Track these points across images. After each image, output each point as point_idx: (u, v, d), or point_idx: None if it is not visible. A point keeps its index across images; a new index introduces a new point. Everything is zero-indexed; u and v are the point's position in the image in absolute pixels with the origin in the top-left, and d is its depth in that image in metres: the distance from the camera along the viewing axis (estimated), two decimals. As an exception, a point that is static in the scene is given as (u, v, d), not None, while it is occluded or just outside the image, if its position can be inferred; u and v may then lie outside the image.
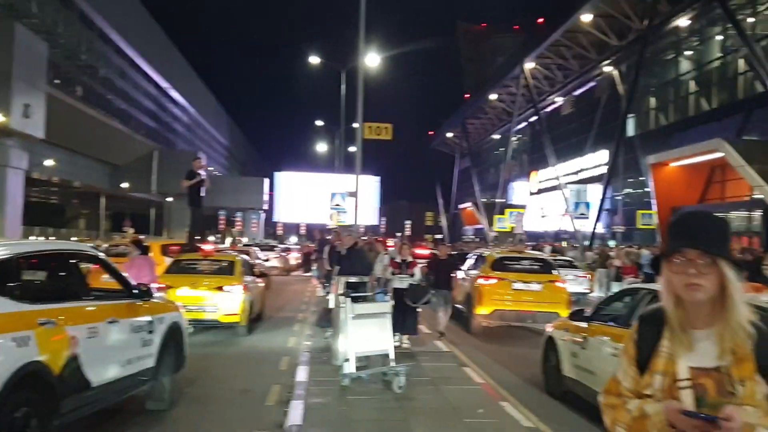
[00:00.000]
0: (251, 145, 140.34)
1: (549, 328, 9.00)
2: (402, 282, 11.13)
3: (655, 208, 38.37)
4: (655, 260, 2.12)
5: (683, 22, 40.06)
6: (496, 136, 71.61)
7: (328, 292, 12.43)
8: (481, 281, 13.75)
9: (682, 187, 39.53)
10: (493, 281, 13.63)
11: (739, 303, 2.00)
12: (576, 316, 8.22)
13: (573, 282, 18.92)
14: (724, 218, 2.17)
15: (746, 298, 2.04)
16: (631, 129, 46.96)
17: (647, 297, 6.50)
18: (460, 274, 15.00)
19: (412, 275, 11.45)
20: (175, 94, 75.25)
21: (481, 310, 13.50)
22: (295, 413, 6.79)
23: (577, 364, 7.71)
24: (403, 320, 10.57)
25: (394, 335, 9.18)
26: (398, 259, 11.91)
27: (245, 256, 16.05)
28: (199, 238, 17.04)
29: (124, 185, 59.32)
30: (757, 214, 33.25)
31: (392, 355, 8.46)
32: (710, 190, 39.76)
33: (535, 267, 14.19)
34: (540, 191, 59.20)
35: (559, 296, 13.40)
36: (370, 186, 69.47)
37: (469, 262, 16.17)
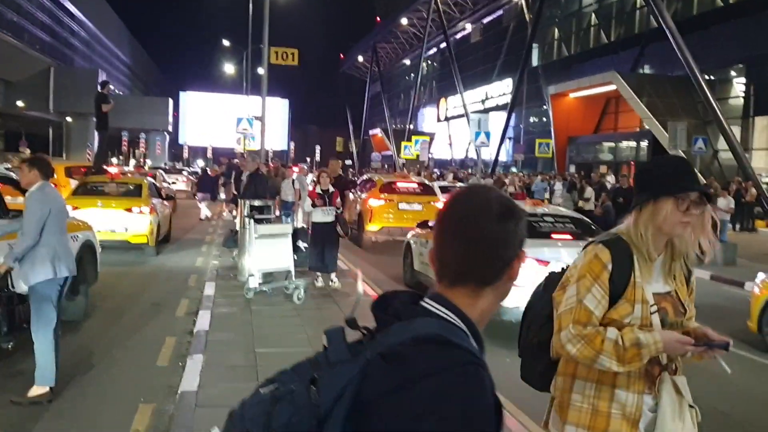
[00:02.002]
0: (154, 64, 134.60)
1: (408, 236, 11.04)
2: (325, 214, 10.13)
3: (553, 137, 40.32)
4: (649, 192, 2.24)
5: (587, -45, 41.06)
6: (407, 62, 71.93)
7: (234, 216, 12.94)
8: (371, 202, 15.81)
9: (579, 118, 41.57)
10: (381, 202, 15.86)
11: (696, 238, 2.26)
12: (422, 224, 10.70)
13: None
14: None
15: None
16: (535, 59, 48.37)
17: None
18: (351, 196, 16.52)
19: (338, 208, 10.32)
20: (71, 7, 70.98)
21: (371, 227, 15.74)
22: (203, 321, 7.54)
23: (422, 261, 9.72)
24: (326, 257, 10.01)
25: (317, 277, 10.07)
26: (319, 190, 10.43)
27: (151, 179, 16.28)
28: (104, 160, 17.08)
29: (19, 103, 56.33)
30: (645, 144, 35.61)
31: (293, 272, 9.25)
32: (605, 121, 42.01)
33: (418, 190, 16.51)
34: (448, 119, 60.38)
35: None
36: (278, 110, 68.79)
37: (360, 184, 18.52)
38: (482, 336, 1.25)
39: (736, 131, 29.87)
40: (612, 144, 40.44)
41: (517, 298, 7.29)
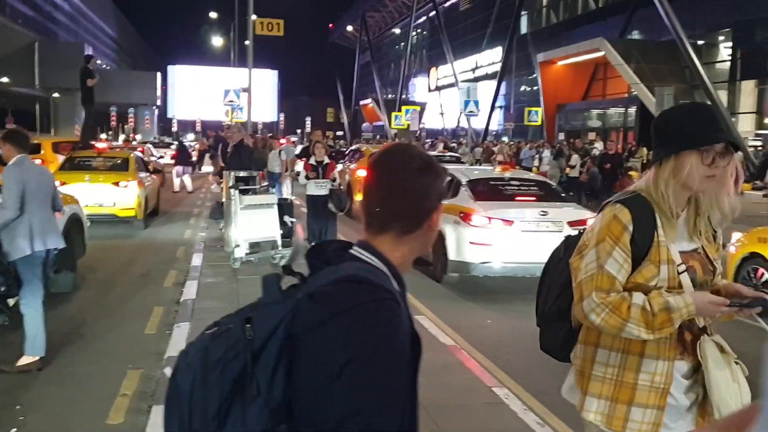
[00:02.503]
0: (141, 38, 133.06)
1: None
2: (319, 188, 10.06)
3: (542, 105, 40.33)
4: (669, 146, 2.07)
5: None
6: (397, 31, 71.44)
7: (222, 188, 13.02)
8: (359, 173, 15.75)
9: (568, 85, 41.58)
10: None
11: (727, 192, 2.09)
12: None
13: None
14: None
15: None
16: (524, 26, 48.15)
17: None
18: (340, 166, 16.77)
19: (333, 180, 10.18)
20: (54, -20, 69.98)
21: (360, 197, 16.15)
22: (190, 291, 7.70)
23: None
24: (324, 232, 9.98)
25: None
26: (313, 161, 10.33)
27: (139, 153, 16.32)
28: (91, 135, 17.08)
29: (4, 79, 55.74)
30: (633, 110, 35.69)
31: (279, 241, 9.39)
32: (593, 88, 42.03)
33: None
34: (439, 88, 60.20)
35: None
36: (267, 81, 68.33)
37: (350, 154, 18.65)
38: (404, 279, 1.40)
39: (723, 95, 30.01)
40: (600, 111, 40.51)
41: (485, 255, 7.56)
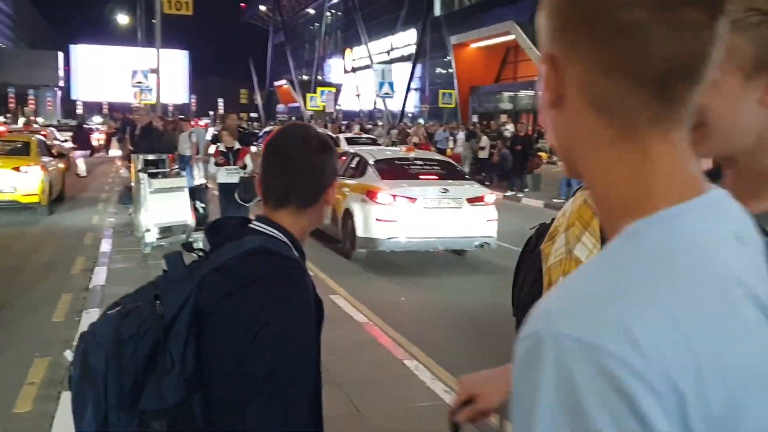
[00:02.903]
0: (40, 15, 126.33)
1: None
2: (230, 175, 9.41)
3: (456, 88, 41.00)
4: None
5: None
6: (311, 11, 70.70)
7: (130, 171, 12.68)
8: None
9: (481, 68, 42.38)
10: None
11: None
12: None
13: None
14: None
15: None
16: (437, 9, 48.61)
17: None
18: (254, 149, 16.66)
19: (243, 167, 9.48)
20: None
21: None
22: (100, 277, 7.54)
23: None
24: None
25: None
26: (222, 148, 9.71)
27: (41, 137, 15.65)
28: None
29: None
30: (542, 93, 36.79)
31: (192, 225, 9.28)
32: (505, 71, 43.01)
33: None
34: (354, 69, 60.09)
35: None
36: (177, 61, 66.46)
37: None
38: (303, 248, 1.51)
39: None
40: (512, 93, 41.50)
41: (391, 231, 7.88)
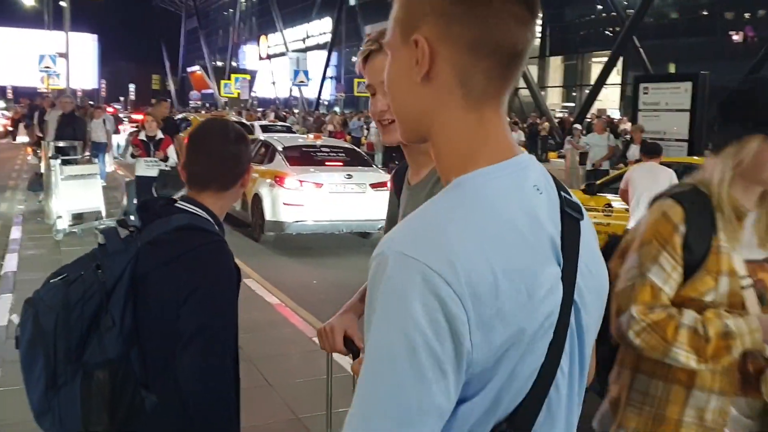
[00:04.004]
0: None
1: None
2: (149, 167, 8.80)
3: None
4: (733, 128, 1.71)
5: None
6: (224, -4, 69.41)
7: (39, 158, 12.42)
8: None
9: (396, 57, 42.88)
10: None
11: None
12: None
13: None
14: None
15: None
16: (352, -3, 48.67)
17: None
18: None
19: (165, 159, 8.84)
20: None
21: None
22: (11, 264, 7.53)
23: None
24: None
25: None
26: (143, 136, 9.00)
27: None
28: None
29: None
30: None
31: (104, 212, 9.32)
32: (420, 60, 43.62)
33: None
34: (270, 57, 59.47)
35: None
36: (86, 46, 63.88)
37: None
38: (223, 224, 1.84)
39: (534, 70, 32.58)
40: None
41: (298, 214, 8.38)
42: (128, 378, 1.59)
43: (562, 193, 0.98)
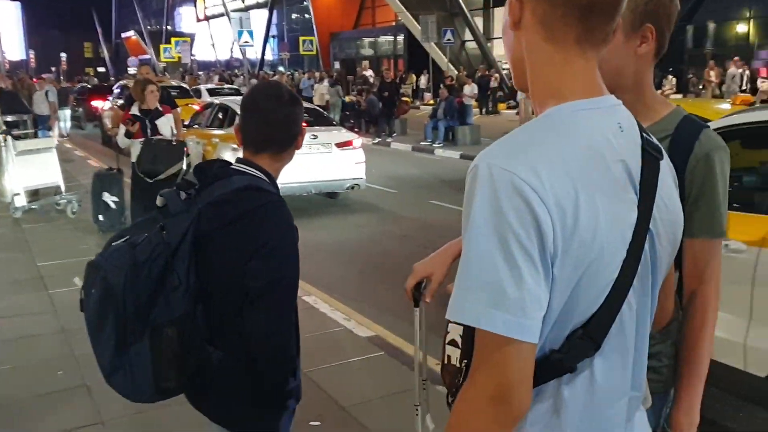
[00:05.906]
0: None
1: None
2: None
3: (316, 34, 40.63)
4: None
5: None
6: (156, -44, 66.80)
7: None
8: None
9: (339, 14, 42.16)
10: None
11: None
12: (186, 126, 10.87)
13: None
14: None
15: None
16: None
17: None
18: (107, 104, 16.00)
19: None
20: None
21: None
22: (-31, 245, 7.20)
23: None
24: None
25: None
26: (136, 110, 6.95)
27: None
28: None
29: None
30: (401, 38, 37.30)
31: (63, 186, 8.96)
32: (363, 16, 43.07)
33: (174, 93, 16.65)
34: (208, 18, 57.79)
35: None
36: (9, 14, 61.20)
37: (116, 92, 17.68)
38: (278, 185, 1.84)
39: (479, 22, 32.49)
40: (372, 39, 41.71)
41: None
42: (195, 335, 1.65)
43: (644, 134, 1.09)
